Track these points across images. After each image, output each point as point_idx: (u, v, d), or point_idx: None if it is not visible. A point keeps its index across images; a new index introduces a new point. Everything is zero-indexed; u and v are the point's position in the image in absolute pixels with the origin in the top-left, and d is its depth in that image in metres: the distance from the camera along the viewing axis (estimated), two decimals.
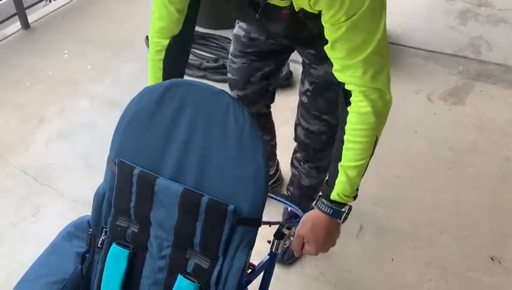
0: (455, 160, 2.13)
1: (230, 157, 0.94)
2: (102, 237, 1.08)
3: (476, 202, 1.94)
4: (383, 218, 1.84)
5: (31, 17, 3.08)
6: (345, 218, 1.06)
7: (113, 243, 1.05)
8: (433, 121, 2.36)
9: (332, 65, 1.03)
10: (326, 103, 1.35)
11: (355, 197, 1.06)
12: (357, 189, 1.06)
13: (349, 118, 1.01)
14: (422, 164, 2.10)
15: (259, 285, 1.11)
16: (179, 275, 0.99)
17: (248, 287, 1.06)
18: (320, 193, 1.08)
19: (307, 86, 1.38)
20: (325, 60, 1.12)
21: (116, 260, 1.05)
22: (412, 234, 1.80)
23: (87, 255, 1.11)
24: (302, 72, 1.42)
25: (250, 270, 1.05)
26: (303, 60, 1.38)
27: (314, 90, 1.37)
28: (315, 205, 1.07)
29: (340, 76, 1.01)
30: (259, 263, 1.07)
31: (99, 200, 1.07)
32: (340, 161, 1.04)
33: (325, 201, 1.06)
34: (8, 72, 2.66)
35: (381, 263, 1.71)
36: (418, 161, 2.10)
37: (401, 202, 1.92)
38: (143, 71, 2.59)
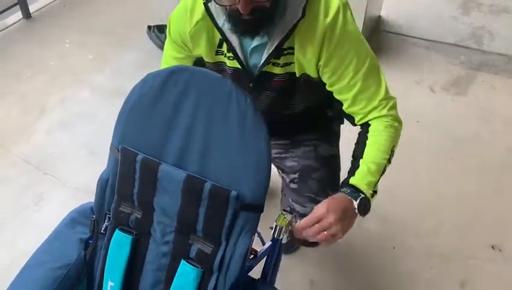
0: (457, 150, 2.13)
1: (233, 143, 0.95)
2: (106, 223, 1.08)
3: (478, 192, 1.94)
4: (385, 207, 1.85)
5: (32, 7, 3.07)
6: (362, 208, 1.01)
7: (117, 229, 1.06)
8: (435, 111, 2.36)
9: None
10: (318, 184, 1.28)
11: (372, 195, 1.04)
12: (376, 186, 1.05)
13: (372, 126, 1.09)
14: (425, 154, 2.10)
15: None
16: (182, 260, 0.99)
17: (251, 272, 1.06)
18: (341, 182, 1.08)
19: (291, 176, 1.32)
20: (301, 144, 1.28)
21: (119, 245, 1.05)
22: (414, 223, 1.81)
23: (91, 242, 1.11)
24: (279, 170, 1.38)
25: (252, 256, 1.05)
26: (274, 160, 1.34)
27: (301, 175, 1.30)
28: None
29: (364, 120, 1.11)
30: (262, 249, 1.07)
31: (103, 186, 1.08)
32: (362, 158, 1.07)
33: (343, 186, 1.05)
34: (9, 62, 2.65)
35: (383, 251, 1.71)
36: (420, 151, 2.10)
37: (403, 191, 1.92)
38: (144, 60, 2.62)
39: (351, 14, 1.08)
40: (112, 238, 1.06)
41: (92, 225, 1.11)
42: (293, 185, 1.31)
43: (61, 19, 3.04)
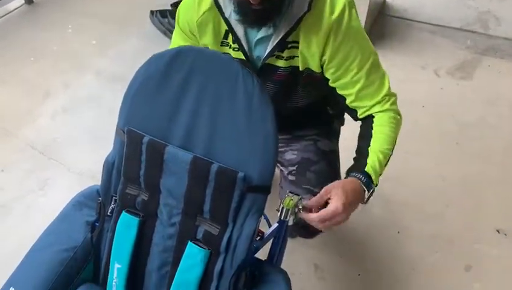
0: (462, 134, 2.12)
1: (240, 124, 0.94)
2: (112, 205, 1.08)
3: (483, 176, 1.94)
4: (389, 191, 1.84)
5: None
6: (369, 197, 1.03)
7: (123, 211, 1.06)
8: (440, 95, 2.35)
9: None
10: (316, 177, 1.27)
11: (376, 185, 1.05)
12: (379, 177, 1.06)
13: (376, 117, 1.11)
14: (429, 139, 2.09)
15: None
16: (189, 241, 1.00)
17: (257, 254, 1.07)
18: (351, 169, 1.08)
19: (290, 168, 1.32)
20: (301, 138, 1.30)
21: (126, 227, 1.05)
22: (419, 207, 1.81)
23: (97, 224, 1.11)
24: (277, 163, 1.37)
25: (259, 238, 1.05)
26: None
27: (300, 167, 1.30)
28: (347, 176, 1.06)
29: (367, 113, 1.12)
30: (268, 231, 1.07)
31: (109, 168, 1.07)
32: (370, 146, 1.08)
33: (358, 173, 1.05)
34: (12, 47, 2.64)
35: (388, 235, 1.72)
36: (425, 136, 2.10)
37: (407, 175, 1.92)
38: (147, 45, 2.60)
39: (356, 11, 1.09)
40: (119, 221, 1.06)
41: (98, 208, 1.11)
42: (291, 177, 1.31)
43: (63, 4, 3.02)
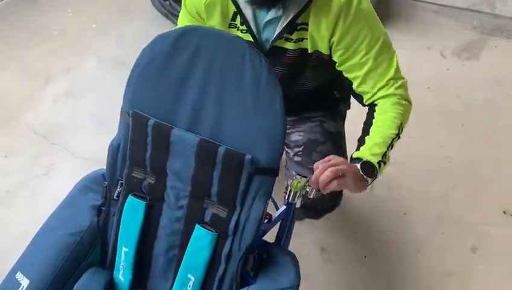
0: (468, 116, 2.10)
1: (247, 106, 0.93)
2: (118, 189, 1.08)
3: (488, 157, 1.92)
4: (395, 173, 1.83)
5: None
6: (368, 170, 0.99)
7: (130, 195, 1.05)
8: (446, 77, 2.32)
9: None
10: (322, 157, 1.21)
11: (379, 163, 1.02)
12: (384, 157, 1.03)
13: (378, 105, 1.09)
14: (435, 120, 2.07)
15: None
16: (196, 224, 0.99)
17: (265, 236, 1.06)
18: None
19: (296, 149, 1.31)
20: (308, 120, 1.29)
21: (133, 211, 1.05)
22: (424, 189, 1.80)
23: (103, 208, 1.11)
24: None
25: (266, 220, 1.04)
26: None
27: (306, 148, 1.29)
28: None
29: (372, 99, 1.10)
30: (276, 213, 1.07)
31: (114, 152, 1.06)
32: (368, 135, 1.07)
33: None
34: (12, 31, 2.61)
35: (393, 217, 1.71)
36: (430, 117, 2.07)
37: (413, 157, 1.91)
38: (149, 28, 2.56)
39: None
40: (125, 204, 1.05)
41: (104, 192, 1.10)
42: (296, 158, 1.30)
43: None
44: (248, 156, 0.92)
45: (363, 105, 1.15)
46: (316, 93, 1.30)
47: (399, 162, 1.87)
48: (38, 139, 2.01)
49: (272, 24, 1.08)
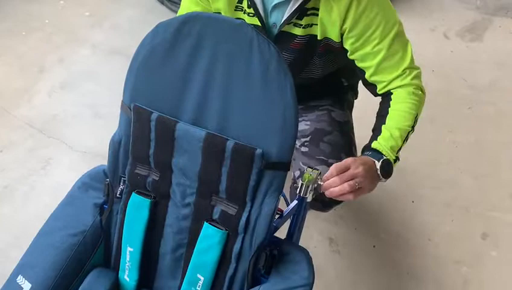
0: (474, 98, 2.05)
1: (256, 96, 0.87)
2: (121, 186, 1.03)
3: (497, 140, 1.88)
4: (401, 160, 1.77)
5: None
6: (385, 171, 0.97)
7: (133, 193, 1.00)
8: (450, 59, 2.26)
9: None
10: (330, 147, 1.22)
11: (395, 160, 1.00)
12: (398, 152, 1.02)
13: (394, 94, 1.05)
14: (441, 104, 2.02)
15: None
16: (205, 222, 0.95)
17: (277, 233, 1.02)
18: (363, 147, 1.04)
19: (302, 139, 1.27)
20: (315, 108, 1.24)
21: (137, 209, 1.00)
22: (432, 175, 1.76)
23: (106, 206, 1.06)
24: None
25: (278, 216, 1.00)
26: None
27: (313, 137, 1.25)
28: None
29: (386, 88, 1.07)
30: (287, 208, 1.02)
31: (115, 148, 1.01)
32: (384, 124, 1.03)
33: (366, 150, 1.01)
34: (2, 21, 2.52)
35: (401, 205, 1.68)
36: (436, 101, 2.02)
37: (420, 142, 1.84)
38: (145, 16, 2.49)
39: None
40: (129, 202, 1.01)
41: (106, 189, 1.05)
42: (303, 149, 1.26)
43: None
44: (259, 151, 0.87)
45: (376, 95, 1.10)
46: (324, 81, 1.26)
47: (405, 148, 1.82)
48: (34, 133, 1.96)
49: (280, 8, 1.03)
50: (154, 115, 0.93)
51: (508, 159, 1.81)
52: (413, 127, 1.04)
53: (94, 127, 1.95)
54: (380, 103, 1.09)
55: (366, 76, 1.07)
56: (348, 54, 1.07)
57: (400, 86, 1.05)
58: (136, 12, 2.53)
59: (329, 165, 1.19)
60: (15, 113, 2.03)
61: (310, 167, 0.98)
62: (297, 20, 1.04)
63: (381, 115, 1.05)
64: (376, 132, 1.03)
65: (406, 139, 1.04)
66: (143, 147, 0.96)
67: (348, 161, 0.94)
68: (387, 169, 0.98)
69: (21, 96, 2.11)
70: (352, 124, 1.33)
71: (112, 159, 1.02)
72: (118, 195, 1.04)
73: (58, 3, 2.64)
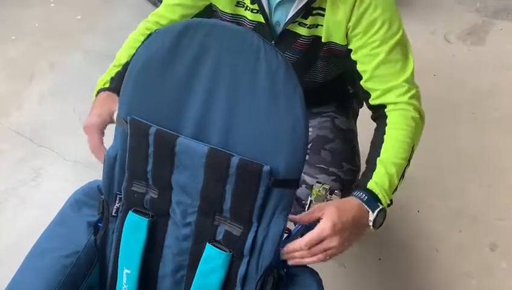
0: (478, 103, 2.01)
1: (263, 109, 0.81)
2: (117, 204, 0.96)
3: (502, 146, 1.84)
4: None
5: None
6: (378, 222, 0.89)
7: (130, 211, 0.93)
8: (452, 63, 2.23)
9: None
10: (332, 155, 1.17)
11: (389, 205, 0.91)
12: (394, 193, 0.93)
13: (390, 118, 0.98)
14: (444, 109, 1.98)
15: None
16: (207, 243, 0.88)
17: None
18: (356, 184, 0.94)
19: None
20: (318, 115, 1.22)
21: (134, 229, 0.93)
22: (438, 184, 1.71)
23: (100, 225, 0.99)
24: None
25: (286, 236, 0.94)
26: None
27: (314, 145, 1.19)
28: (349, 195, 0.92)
29: (380, 100, 0.99)
30: (296, 228, 0.96)
31: (111, 163, 0.94)
32: (379, 156, 0.94)
33: (359, 190, 0.90)
34: None
35: (407, 215, 1.62)
36: (439, 106, 1.98)
37: (423, 149, 1.78)
38: (137, 18, 2.40)
39: None
40: (126, 222, 0.94)
41: (101, 206, 0.98)
42: None
43: None
44: (266, 167, 0.80)
45: (369, 105, 1.03)
46: (328, 86, 1.21)
47: None
48: (24, 142, 1.88)
49: (284, 5, 0.99)
50: (153, 129, 0.87)
51: None
52: (409, 160, 0.95)
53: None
54: (375, 129, 1.01)
55: (362, 82, 1.01)
56: (352, 53, 1.02)
57: (395, 103, 0.97)
58: (129, 16, 2.46)
59: (329, 173, 1.14)
60: (4, 121, 1.96)
61: (318, 183, 0.92)
62: (302, 20, 1.00)
63: (376, 144, 0.97)
64: (370, 165, 0.94)
65: (403, 176, 0.94)
66: (140, 163, 0.90)
67: (325, 230, 0.83)
68: (380, 221, 0.89)
69: (10, 103, 2.03)
70: (356, 132, 1.27)
71: (107, 175, 0.95)
72: (113, 213, 0.97)
73: (48, 7, 2.58)
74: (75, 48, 2.30)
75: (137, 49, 0.90)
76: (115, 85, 1.02)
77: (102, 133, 0.98)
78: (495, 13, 2.49)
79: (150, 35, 1.01)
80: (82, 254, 0.96)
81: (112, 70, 1.09)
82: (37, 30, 2.42)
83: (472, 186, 1.71)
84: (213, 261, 0.88)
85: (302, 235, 0.97)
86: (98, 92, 1.07)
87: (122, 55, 1.10)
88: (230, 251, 0.87)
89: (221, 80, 0.83)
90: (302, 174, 1.15)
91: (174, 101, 0.87)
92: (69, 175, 1.73)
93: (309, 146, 1.20)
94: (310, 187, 1.08)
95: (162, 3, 1.12)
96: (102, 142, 0.96)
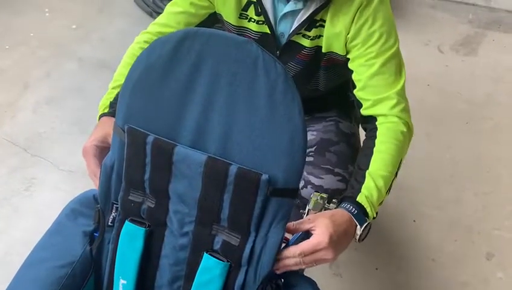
0: (472, 113, 2.03)
1: (261, 118, 0.81)
2: (113, 214, 0.95)
3: (496, 156, 1.85)
4: (400, 179, 1.71)
5: None
6: (363, 235, 0.91)
7: (126, 221, 0.93)
8: (445, 73, 2.25)
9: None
10: (337, 157, 1.18)
11: (374, 217, 0.93)
12: (379, 205, 0.94)
13: (379, 131, 1.00)
14: (438, 119, 2.00)
15: None
16: (205, 253, 0.88)
17: None
18: (344, 196, 0.95)
19: (307, 150, 1.19)
20: (322, 119, 1.23)
21: (130, 239, 0.93)
22: (433, 193, 1.72)
23: (96, 235, 0.98)
24: None
25: (284, 245, 0.93)
26: None
27: (319, 147, 1.20)
28: (337, 206, 0.93)
29: (371, 111, 1.01)
30: (294, 236, 0.96)
31: (107, 173, 0.93)
32: (368, 169, 0.96)
33: (348, 203, 0.91)
34: None
35: (403, 225, 1.63)
36: (433, 116, 2.00)
37: (419, 159, 1.82)
38: (133, 28, 2.42)
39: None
40: (122, 231, 0.93)
41: (97, 216, 0.97)
42: (308, 159, 1.20)
43: None
44: (265, 176, 0.80)
45: (360, 116, 1.05)
46: (330, 95, 1.23)
47: (403, 166, 1.77)
48: (17, 151, 1.86)
49: (288, 17, 1.01)
50: (150, 138, 0.86)
51: (508, 175, 1.78)
52: (396, 173, 0.98)
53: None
54: (364, 142, 1.03)
55: (355, 91, 1.03)
56: (349, 62, 1.04)
57: (385, 116, 0.99)
58: (124, 25, 2.46)
59: (335, 174, 1.15)
60: None
61: (317, 192, 0.92)
62: (306, 32, 1.02)
63: (364, 157, 0.98)
64: (358, 177, 0.96)
65: (390, 188, 0.97)
66: (137, 172, 0.89)
67: (322, 243, 0.84)
68: (365, 234, 0.92)
69: (4, 112, 2.02)
70: (359, 138, 1.29)
71: (103, 185, 0.95)
72: (109, 223, 0.96)
73: (43, 16, 2.57)
74: (70, 57, 2.30)
75: (136, 59, 0.90)
76: (114, 109, 1.02)
77: (102, 157, 0.97)
78: (487, 25, 2.52)
79: None
80: (77, 264, 0.95)
81: (111, 93, 1.09)
82: (32, 39, 2.41)
83: (468, 196, 1.72)
84: (210, 271, 0.87)
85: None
86: (100, 117, 1.08)
87: (121, 74, 1.08)
88: (228, 261, 0.86)
89: (220, 89, 0.83)
90: (308, 175, 1.20)
91: (172, 109, 0.87)
92: (64, 185, 1.72)
93: (314, 149, 1.22)
94: (315, 188, 1.11)
95: (164, 12, 1.13)
96: (99, 167, 0.95)
